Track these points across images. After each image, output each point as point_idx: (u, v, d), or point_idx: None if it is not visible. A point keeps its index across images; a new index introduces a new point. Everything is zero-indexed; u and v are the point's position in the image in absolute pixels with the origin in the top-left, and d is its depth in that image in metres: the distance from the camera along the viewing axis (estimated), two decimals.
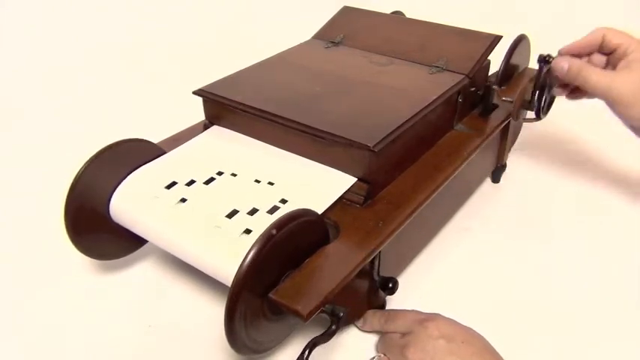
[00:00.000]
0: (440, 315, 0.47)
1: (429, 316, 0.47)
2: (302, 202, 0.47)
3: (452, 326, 0.44)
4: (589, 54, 0.58)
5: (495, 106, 0.64)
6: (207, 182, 0.51)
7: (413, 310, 0.49)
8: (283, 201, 0.48)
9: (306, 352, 0.40)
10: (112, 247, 0.54)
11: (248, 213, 0.47)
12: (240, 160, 0.54)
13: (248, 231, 0.45)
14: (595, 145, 0.78)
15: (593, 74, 0.55)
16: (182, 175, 0.52)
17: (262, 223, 0.45)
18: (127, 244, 0.54)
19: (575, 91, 0.61)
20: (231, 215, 0.47)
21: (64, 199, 0.48)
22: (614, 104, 0.55)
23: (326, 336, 0.41)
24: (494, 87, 0.64)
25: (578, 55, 0.58)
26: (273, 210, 0.47)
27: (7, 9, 1.23)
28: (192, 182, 0.51)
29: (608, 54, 0.58)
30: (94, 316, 0.53)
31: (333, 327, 0.41)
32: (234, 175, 0.52)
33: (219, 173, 0.52)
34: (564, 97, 0.62)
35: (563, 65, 0.57)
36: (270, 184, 0.50)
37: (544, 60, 0.59)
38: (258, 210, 0.47)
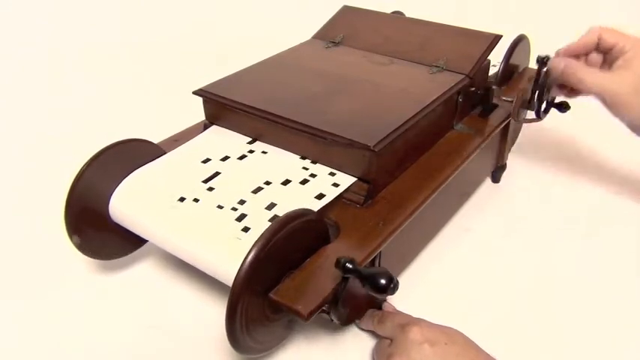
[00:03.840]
0: (421, 319, 0.47)
1: (411, 320, 0.47)
2: (300, 201, 0.47)
3: (433, 329, 0.44)
4: (586, 54, 0.59)
5: (495, 106, 0.64)
6: (206, 181, 0.51)
7: (401, 313, 0.49)
8: (281, 200, 0.48)
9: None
10: (112, 247, 0.54)
11: (246, 212, 0.47)
12: (239, 160, 0.54)
13: (247, 230, 0.45)
14: (595, 146, 0.78)
15: (589, 75, 0.55)
16: (181, 174, 0.52)
17: (261, 223, 0.45)
18: (127, 244, 0.54)
19: (573, 90, 0.61)
20: (230, 214, 0.47)
21: (64, 200, 0.48)
22: (611, 105, 0.55)
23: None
24: (494, 87, 0.63)
25: (575, 56, 0.58)
26: (271, 208, 0.47)
27: (8, 8, 1.23)
28: (190, 182, 0.51)
29: (605, 53, 0.58)
30: (93, 317, 0.53)
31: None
32: (233, 174, 0.52)
33: (218, 173, 0.52)
34: (562, 96, 0.62)
35: (559, 66, 0.57)
36: (269, 183, 0.50)
37: (542, 61, 0.59)
38: (256, 210, 0.47)
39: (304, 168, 0.52)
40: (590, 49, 0.58)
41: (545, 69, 0.60)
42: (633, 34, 0.56)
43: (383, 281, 0.38)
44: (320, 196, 0.48)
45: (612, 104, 0.55)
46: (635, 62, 0.54)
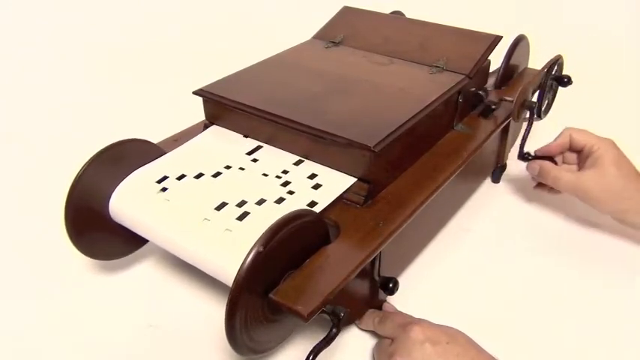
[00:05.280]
0: (422, 319, 0.47)
1: (412, 319, 0.47)
2: (300, 201, 0.47)
3: (434, 328, 0.45)
4: (561, 153, 0.63)
5: (493, 109, 0.64)
6: (206, 181, 0.51)
7: (402, 313, 0.50)
8: (281, 200, 0.48)
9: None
10: (112, 247, 0.54)
11: (245, 212, 0.47)
12: (239, 160, 0.54)
13: (248, 229, 0.45)
14: None
15: (561, 176, 0.60)
16: (181, 174, 0.52)
17: (261, 223, 0.45)
18: (127, 244, 0.54)
19: (552, 188, 0.64)
20: (229, 214, 0.47)
21: (64, 200, 0.48)
22: (586, 202, 0.59)
23: (327, 340, 0.41)
24: (489, 89, 0.64)
25: (552, 156, 0.63)
26: (270, 209, 0.47)
27: (8, 9, 1.23)
28: (191, 181, 0.51)
29: (578, 152, 0.62)
30: (94, 316, 0.53)
31: (334, 330, 0.41)
32: (233, 173, 0.52)
33: (218, 173, 0.52)
34: (543, 193, 0.66)
35: (534, 169, 0.63)
36: (269, 182, 0.50)
37: (524, 158, 0.65)
38: (256, 209, 0.47)
39: (303, 168, 0.52)
40: (565, 149, 0.63)
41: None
42: (601, 135, 0.60)
43: None
44: (319, 197, 0.48)
45: (586, 201, 0.59)
46: (604, 161, 0.58)
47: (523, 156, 0.64)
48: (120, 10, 1.25)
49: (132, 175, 0.52)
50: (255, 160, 0.53)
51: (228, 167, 0.53)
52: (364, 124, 0.50)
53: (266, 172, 0.52)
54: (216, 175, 0.52)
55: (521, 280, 0.57)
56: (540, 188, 0.66)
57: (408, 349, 0.43)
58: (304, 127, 0.51)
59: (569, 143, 0.62)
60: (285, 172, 0.51)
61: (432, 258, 0.59)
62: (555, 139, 0.63)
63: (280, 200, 0.48)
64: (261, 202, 0.48)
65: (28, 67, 1.07)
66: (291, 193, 0.49)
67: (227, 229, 0.45)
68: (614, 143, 0.59)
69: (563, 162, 0.64)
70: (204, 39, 1.16)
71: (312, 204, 0.48)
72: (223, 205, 0.48)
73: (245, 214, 0.47)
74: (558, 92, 0.76)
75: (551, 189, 0.64)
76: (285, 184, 0.50)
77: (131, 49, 1.12)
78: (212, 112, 0.59)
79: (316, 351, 0.41)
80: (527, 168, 0.64)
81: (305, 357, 0.41)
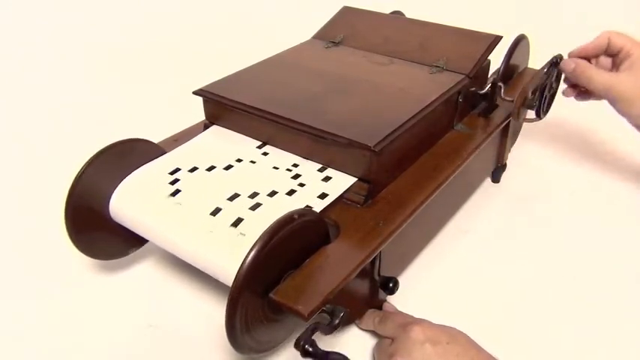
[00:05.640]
0: (422, 319, 0.47)
1: (412, 319, 0.47)
2: (311, 193, 0.48)
3: (435, 328, 0.45)
4: (596, 56, 0.63)
5: (496, 106, 0.64)
6: (207, 182, 0.51)
7: (402, 313, 0.50)
8: (292, 192, 0.49)
9: (309, 332, 0.40)
10: (113, 247, 0.54)
11: (258, 203, 0.47)
12: (249, 154, 0.54)
13: (247, 230, 0.45)
14: (597, 146, 0.78)
15: (596, 74, 0.60)
16: (181, 174, 0.52)
17: (261, 223, 0.45)
18: (127, 243, 0.54)
19: (583, 92, 0.65)
20: (230, 214, 0.47)
21: (64, 199, 0.48)
22: (616, 102, 0.60)
23: (328, 327, 0.41)
24: (500, 84, 0.63)
25: (586, 58, 0.63)
26: (282, 201, 0.47)
27: (8, 9, 1.23)
28: (191, 182, 0.51)
29: (614, 55, 0.62)
30: (94, 316, 0.53)
31: (336, 322, 0.40)
32: (234, 174, 0.52)
33: (230, 166, 0.52)
34: (573, 97, 0.67)
35: (570, 65, 0.62)
36: (280, 175, 0.50)
37: (555, 61, 0.63)
38: (256, 209, 0.47)
39: (304, 168, 0.52)
40: (601, 52, 0.63)
41: (555, 71, 0.62)
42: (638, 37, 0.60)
43: None
44: (319, 197, 0.48)
45: (617, 101, 0.60)
46: None
47: (555, 62, 0.63)
48: (120, 10, 1.26)
49: (132, 175, 0.52)
50: (265, 154, 0.54)
51: (239, 160, 0.53)
52: (364, 123, 0.50)
53: (276, 166, 0.52)
54: (228, 167, 0.52)
55: (521, 280, 0.57)
56: (571, 91, 0.66)
57: (408, 349, 0.43)
58: (304, 127, 0.51)
59: (606, 45, 0.61)
60: (295, 165, 0.52)
61: (432, 258, 0.59)
62: (592, 41, 0.62)
63: (291, 192, 0.49)
64: (272, 193, 0.49)
65: (28, 67, 1.07)
66: (301, 185, 0.49)
67: (240, 217, 0.46)
68: None
69: (596, 65, 0.63)
70: (204, 39, 1.16)
71: (323, 196, 0.48)
72: (236, 195, 0.48)
73: (257, 205, 0.47)
74: (558, 92, 0.76)
75: (579, 93, 0.64)
76: (296, 176, 0.51)
77: (131, 49, 1.12)
78: (212, 112, 0.59)
79: (312, 329, 0.40)
80: (562, 65, 0.64)
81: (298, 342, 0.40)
